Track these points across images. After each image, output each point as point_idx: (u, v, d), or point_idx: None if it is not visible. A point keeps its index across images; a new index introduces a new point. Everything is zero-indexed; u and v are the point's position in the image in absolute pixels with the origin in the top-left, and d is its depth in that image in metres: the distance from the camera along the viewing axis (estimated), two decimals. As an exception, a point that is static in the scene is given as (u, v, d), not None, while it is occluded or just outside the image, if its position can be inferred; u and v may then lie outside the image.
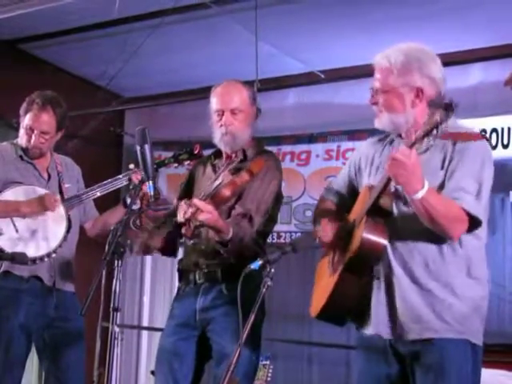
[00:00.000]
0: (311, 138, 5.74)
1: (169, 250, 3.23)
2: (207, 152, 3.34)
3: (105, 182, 3.62)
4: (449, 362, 2.41)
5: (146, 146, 2.82)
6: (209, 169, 3.24)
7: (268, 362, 3.82)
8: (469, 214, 2.37)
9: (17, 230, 3.51)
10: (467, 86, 4.94)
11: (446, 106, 2.19)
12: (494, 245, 4.84)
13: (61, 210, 3.59)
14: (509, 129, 4.91)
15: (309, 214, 5.38)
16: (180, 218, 2.94)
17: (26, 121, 3.61)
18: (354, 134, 5.44)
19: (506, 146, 4.89)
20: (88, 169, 4.04)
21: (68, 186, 3.73)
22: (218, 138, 3.14)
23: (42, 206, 3.53)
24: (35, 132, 3.59)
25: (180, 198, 3.21)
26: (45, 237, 3.55)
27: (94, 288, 2.54)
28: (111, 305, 2.64)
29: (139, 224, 3.10)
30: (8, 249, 3.44)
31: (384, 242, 2.44)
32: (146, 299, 6.50)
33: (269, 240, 3.25)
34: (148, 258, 6.48)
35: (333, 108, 5.59)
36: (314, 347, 5.70)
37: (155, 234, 3.17)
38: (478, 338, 2.48)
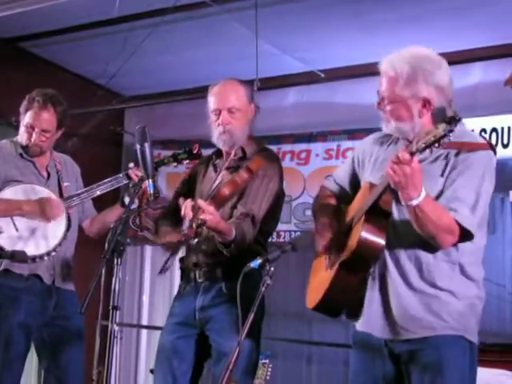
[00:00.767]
0: (311, 137, 5.73)
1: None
2: (206, 151, 3.33)
3: (104, 180, 3.62)
4: (447, 359, 2.41)
5: (146, 145, 2.82)
6: (210, 169, 3.24)
7: (267, 361, 3.82)
8: (461, 227, 2.38)
9: (17, 229, 3.51)
10: (467, 86, 4.93)
11: (449, 120, 2.17)
12: (493, 244, 4.82)
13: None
14: (509, 128, 4.91)
15: (308, 213, 5.38)
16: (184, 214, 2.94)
17: (26, 119, 3.60)
18: (354, 134, 5.43)
19: (505, 146, 4.90)
20: (87, 167, 4.03)
21: (67, 185, 3.73)
22: (215, 137, 3.14)
23: (43, 214, 3.52)
24: (36, 130, 3.59)
25: (178, 193, 3.23)
26: (44, 236, 3.54)
27: (94, 286, 2.54)
28: (110, 303, 2.65)
29: (139, 223, 3.10)
30: (8, 247, 3.44)
31: (382, 241, 2.44)
32: (146, 298, 6.50)
33: (269, 239, 3.25)
34: (147, 257, 6.49)
35: (333, 107, 5.59)
36: (314, 346, 5.71)
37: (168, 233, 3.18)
38: (474, 336, 2.49)
